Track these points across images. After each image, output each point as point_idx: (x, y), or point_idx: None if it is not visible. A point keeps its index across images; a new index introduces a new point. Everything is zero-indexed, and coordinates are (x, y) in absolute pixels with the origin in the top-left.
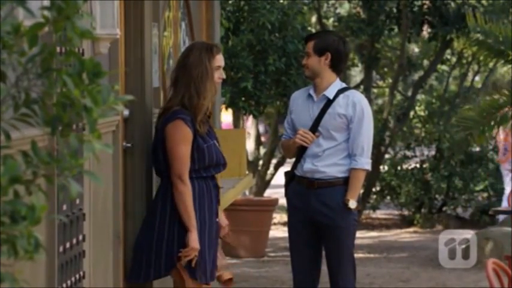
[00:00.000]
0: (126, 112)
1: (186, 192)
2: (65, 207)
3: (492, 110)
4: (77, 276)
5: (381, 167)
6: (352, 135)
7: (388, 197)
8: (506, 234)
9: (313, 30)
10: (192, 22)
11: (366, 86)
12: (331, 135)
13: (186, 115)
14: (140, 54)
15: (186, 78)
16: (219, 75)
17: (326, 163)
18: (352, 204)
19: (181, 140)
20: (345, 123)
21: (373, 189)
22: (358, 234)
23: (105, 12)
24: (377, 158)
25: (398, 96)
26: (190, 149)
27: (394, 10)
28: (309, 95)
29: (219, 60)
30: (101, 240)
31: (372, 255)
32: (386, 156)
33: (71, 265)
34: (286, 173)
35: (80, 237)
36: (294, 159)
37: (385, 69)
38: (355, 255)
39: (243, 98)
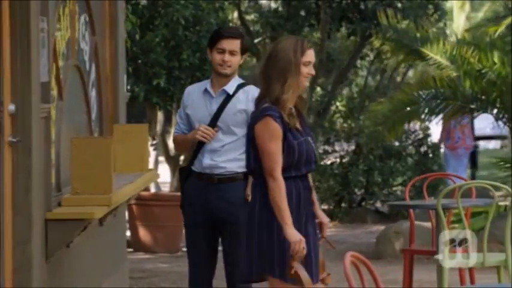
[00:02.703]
0: (12, 107)
1: (276, 188)
2: None
3: (402, 106)
4: None
5: None
6: None
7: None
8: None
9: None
10: (93, 17)
11: None
12: (231, 130)
13: (275, 111)
14: (27, 49)
15: (272, 72)
16: (309, 70)
17: (226, 158)
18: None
19: (271, 137)
20: (245, 118)
21: None
22: None
23: None
24: None
25: (320, 92)
26: (281, 145)
27: (314, 6)
28: (206, 90)
29: (310, 55)
30: None
31: None
32: None
33: None
34: (182, 170)
35: None
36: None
37: None
38: None
39: (157, 94)
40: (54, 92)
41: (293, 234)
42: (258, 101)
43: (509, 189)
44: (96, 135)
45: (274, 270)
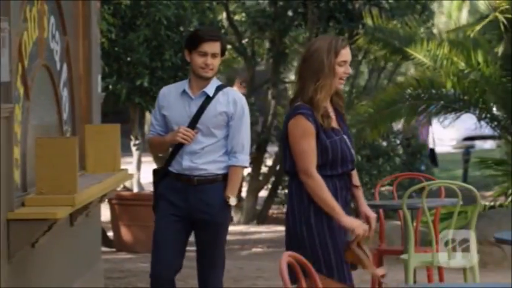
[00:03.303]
0: None
1: (315, 185)
2: None
3: (385, 105)
4: None
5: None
6: (232, 133)
7: None
8: (395, 227)
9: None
10: (64, 17)
11: (274, 82)
12: (211, 132)
13: (307, 110)
14: None
15: (307, 72)
16: (345, 70)
17: (206, 160)
18: (233, 201)
19: (303, 135)
20: (225, 120)
21: (280, 186)
22: (264, 228)
23: None
24: None
25: None
26: (315, 143)
27: (301, 6)
28: (184, 92)
29: (344, 55)
30: None
31: (270, 250)
32: None
33: None
34: (156, 171)
35: None
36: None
37: (296, 65)
38: (254, 249)
39: (139, 94)
40: (21, 92)
41: (350, 221)
42: (292, 100)
43: (474, 189)
44: (68, 135)
45: (321, 270)
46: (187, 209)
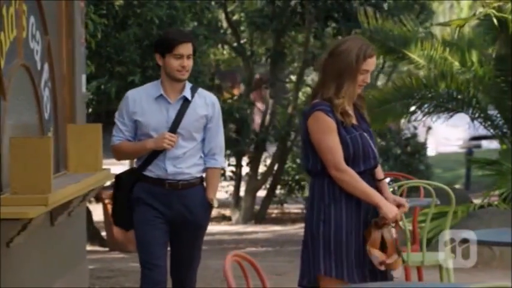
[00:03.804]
0: None
1: (350, 178)
2: None
3: (377, 104)
4: None
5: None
6: (210, 135)
7: (299, 192)
8: None
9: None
10: (45, 16)
11: (271, 82)
12: (192, 136)
13: (326, 106)
14: None
15: (331, 69)
16: (364, 78)
17: (188, 164)
18: (216, 203)
19: (326, 131)
20: (205, 123)
21: (279, 185)
22: (261, 228)
23: None
24: (282, 153)
25: (306, 91)
26: (338, 139)
27: (298, 6)
28: (161, 96)
29: (369, 64)
30: None
31: (263, 249)
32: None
33: None
34: (123, 176)
35: None
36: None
37: (295, 65)
38: (248, 249)
39: None
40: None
41: (387, 206)
42: (312, 96)
43: (447, 189)
44: (50, 135)
45: (331, 270)
46: (170, 213)
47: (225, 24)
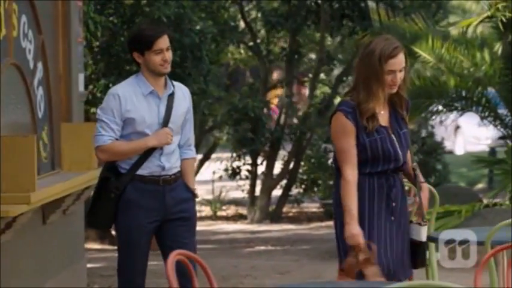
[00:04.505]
0: None
1: (344, 186)
2: None
3: None
4: None
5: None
6: (188, 126)
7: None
8: None
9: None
10: (39, 16)
11: (288, 81)
12: (179, 130)
13: (347, 107)
14: None
15: (360, 72)
16: (392, 78)
17: (176, 158)
18: (197, 192)
19: (341, 133)
20: (185, 115)
21: (295, 184)
22: (275, 227)
23: None
24: (297, 152)
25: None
26: (354, 141)
27: (314, 5)
28: (151, 93)
29: (393, 64)
30: None
31: (272, 248)
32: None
33: None
34: (119, 176)
35: None
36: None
37: (313, 64)
38: (257, 248)
39: None
40: None
41: (351, 230)
42: (346, 93)
43: (432, 188)
44: (44, 133)
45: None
46: (163, 210)
47: (241, 24)
